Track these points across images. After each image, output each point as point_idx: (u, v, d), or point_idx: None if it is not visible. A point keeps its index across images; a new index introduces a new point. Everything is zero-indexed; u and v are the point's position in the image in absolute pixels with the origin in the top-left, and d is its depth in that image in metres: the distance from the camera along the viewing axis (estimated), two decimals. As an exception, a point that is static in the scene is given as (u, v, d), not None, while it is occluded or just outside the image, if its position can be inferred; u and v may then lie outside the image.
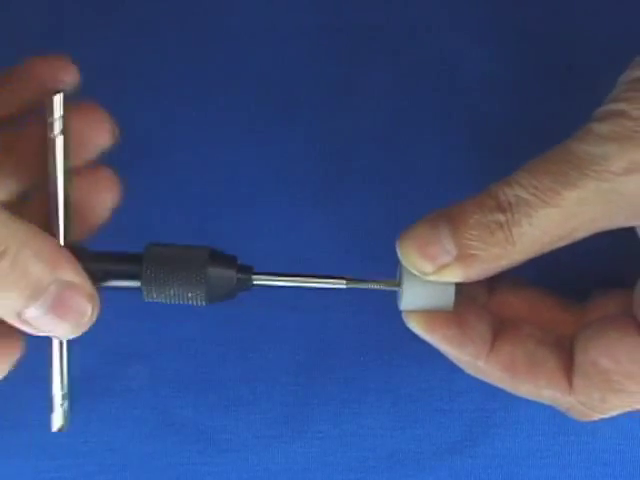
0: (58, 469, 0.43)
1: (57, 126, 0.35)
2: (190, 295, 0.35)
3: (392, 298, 0.38)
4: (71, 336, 0.34)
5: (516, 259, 0.35)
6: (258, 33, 0.44)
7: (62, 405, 0.35)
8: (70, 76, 0.36)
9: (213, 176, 0.44)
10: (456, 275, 0.35)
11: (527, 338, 0.37)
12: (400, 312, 0.37)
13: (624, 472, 0.42)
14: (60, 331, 0.33)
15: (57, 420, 0.35)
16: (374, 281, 0.37)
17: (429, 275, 0.35)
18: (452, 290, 0.36)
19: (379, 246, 0.43)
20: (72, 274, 0.33)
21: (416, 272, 0.35)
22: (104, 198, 0.37)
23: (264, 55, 0.44)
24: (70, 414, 0.36)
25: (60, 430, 0.36)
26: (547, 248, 0.34)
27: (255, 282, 0.35)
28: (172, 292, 0.35)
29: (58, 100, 0.35)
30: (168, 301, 0.35)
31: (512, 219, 0.34)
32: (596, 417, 0.37)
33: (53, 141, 0.35)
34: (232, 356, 0.43)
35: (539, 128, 0.43)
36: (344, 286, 0.36)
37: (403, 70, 0.44)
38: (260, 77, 0.44)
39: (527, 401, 0.42)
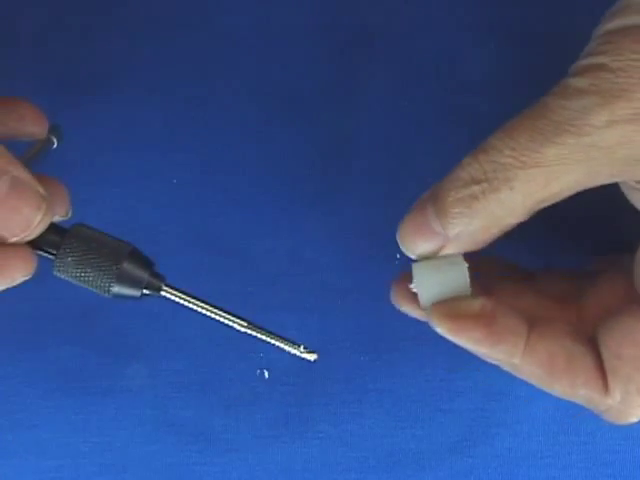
0: (58, 469, 0.43)
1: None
2: (98, 283, 0.34)
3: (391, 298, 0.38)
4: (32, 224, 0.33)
5: (507, 224, 0.34)
6: (258, 33, 0.44)
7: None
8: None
9: (213, 176, 0.44)
10: (451, 252, 0.34)
11: (563, 333, 0.35)
12: (399, 313, 0.37)
13: (624, 472, 0.42)
14: (29, 205, 0.32)
15: None
16: (274, 335, 0.36)
17: (428, 257, 0.35)
18: (465, 272, 0.35)
19: (379, 246, 0.43)
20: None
21: (414, 257, 0.35)
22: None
23: (264, 55, 0.44)
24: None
25: None
26: (535, 209, 0.33)
27: (163, 293, 0.35)
28: (82, 274, 0.34)
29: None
30: (75, 281, 0.34)
31: (489, 188, 0.33)
32: (634, 418, 0.35)
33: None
34: (232, 356, 0.43)
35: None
36: (242, 329, 0.36)
37: (403, 70, 0.44)
38: (260, 77, 0.44)
39: (527, 401, 0.42)
